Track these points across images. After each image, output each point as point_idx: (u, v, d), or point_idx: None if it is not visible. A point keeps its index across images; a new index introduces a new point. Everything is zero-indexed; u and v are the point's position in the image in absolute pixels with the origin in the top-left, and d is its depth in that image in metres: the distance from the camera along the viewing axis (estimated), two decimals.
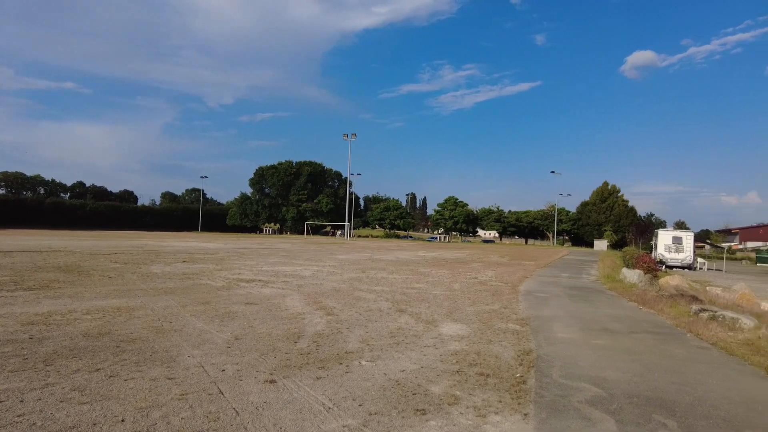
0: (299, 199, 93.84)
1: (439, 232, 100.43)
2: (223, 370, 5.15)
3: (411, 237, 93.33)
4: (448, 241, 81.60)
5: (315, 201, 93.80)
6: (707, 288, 16.14)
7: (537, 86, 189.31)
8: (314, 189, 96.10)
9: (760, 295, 18.26)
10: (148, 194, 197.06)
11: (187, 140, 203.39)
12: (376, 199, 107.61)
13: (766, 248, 61.57)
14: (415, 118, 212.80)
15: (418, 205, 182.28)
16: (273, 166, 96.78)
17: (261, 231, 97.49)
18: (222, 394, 4.45)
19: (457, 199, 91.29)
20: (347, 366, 5.45)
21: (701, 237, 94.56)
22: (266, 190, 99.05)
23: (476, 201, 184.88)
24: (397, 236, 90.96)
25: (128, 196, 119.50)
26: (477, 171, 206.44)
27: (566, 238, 74.87)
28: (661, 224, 77.25)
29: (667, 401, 4.63)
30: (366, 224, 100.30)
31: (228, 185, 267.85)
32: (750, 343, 7.58)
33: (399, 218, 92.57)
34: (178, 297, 10.00)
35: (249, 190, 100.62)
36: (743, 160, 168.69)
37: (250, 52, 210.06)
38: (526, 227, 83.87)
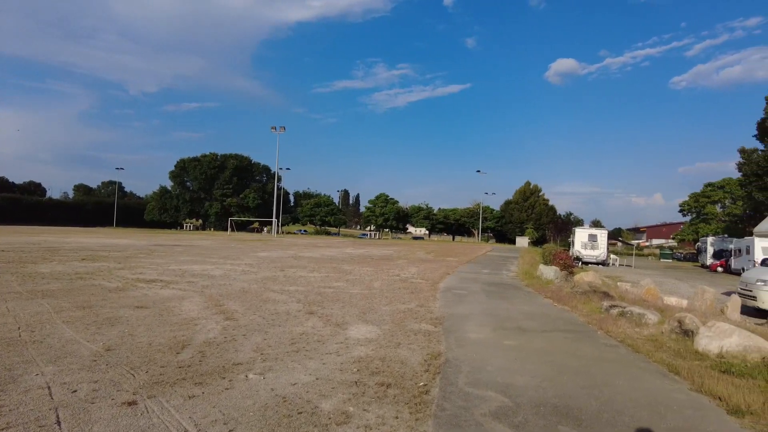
0: (224, 193, 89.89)
1: (371, 229, 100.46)
2: (75, 391, 4.26)
3: (340, 234, 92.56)
4: (379, 238, 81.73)
5: (241, 196, 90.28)
6: (618, 283, 16.82)
7: (467, 88, 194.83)
8: (240, 183, 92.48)
9: (663, 289, 19.43)
10: (60, 187, 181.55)
11: (105, 129, 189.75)
12: (306, 195, 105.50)
13: (668, 245, 67.04)
14: (349, 115, 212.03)
15: (351, 202, 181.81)
16: (196, 158, 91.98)
17: (182, 227, 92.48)
18: (59, 424, 3.59)
19: (387, 196, 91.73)
20: (230, 381, 4.72)
21: (614, 235, 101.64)
22: (188, 183, 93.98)
23: (408, 199, 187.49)
24: (328, 233, 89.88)
25: (35, 188, 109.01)
26: (409, 169, 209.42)
27: (491, 235, 77.46)
28: (579, 222, 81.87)
29: (574, 409, 4.33)
30: (296, 221, 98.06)
31: (150, 178, 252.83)
32: (654, 339, 7.67)
33: (330, 215, 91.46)
34: (56, 300, 8.72)
35: (169, 184, 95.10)
36: (650, 165, 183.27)
37: (177, 39, 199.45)
38: (453, 224, 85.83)
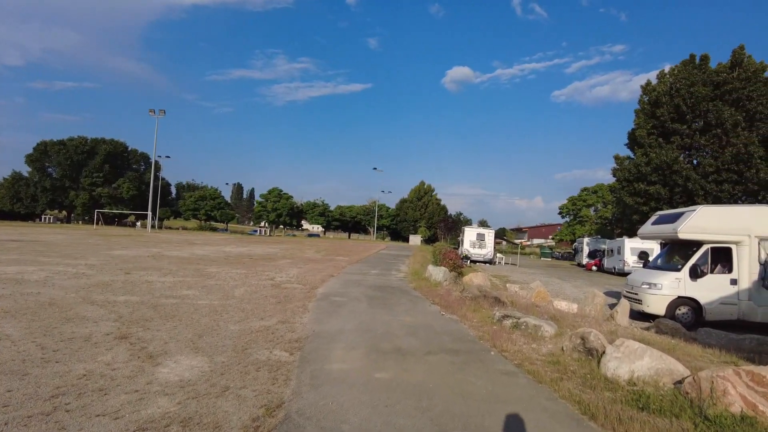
0: (93, 182, 79.48)
1: (264, 225, 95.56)
2: None
3: (227, 230, 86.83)
4: (270, 235, 77.73)
5: (114, 186, 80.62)
6: (507, 285, 16.13)
7: (369, 88, 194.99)
8: (114, 172, 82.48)
9: (550, 290, 19.26)
10: None
11: None
12: (191, 187, 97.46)
13: (547, 245, 71.65)
14: (245, 105, 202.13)
15: (245, 196, 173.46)
16: (60, 142, 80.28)
17: (40, 219, 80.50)
18: None
19: (281, 190, 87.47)
20: None
21: (499, 234, 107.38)
22: (49, 170, 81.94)
23: (306, 195, 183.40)
24: (214, 229, 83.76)
25: None
26: (308, 165, 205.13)
27: (386, 233, 77.32)
28: (468, 222, 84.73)
29: None
30: (177, 215, 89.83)
31: (11, 164, 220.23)
32: (555, 360, 6.39)
33: (216, 209, 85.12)
34: None
35: (26, 169, 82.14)
36: (532, 170, 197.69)
37: (48, 8, 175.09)
38: (349, 222, 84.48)
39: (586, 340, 6.58)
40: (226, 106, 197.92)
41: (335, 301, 10.35)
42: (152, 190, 61.57)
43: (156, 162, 74.78)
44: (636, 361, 5.67)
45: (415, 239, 59.37)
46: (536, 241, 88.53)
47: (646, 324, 11.62)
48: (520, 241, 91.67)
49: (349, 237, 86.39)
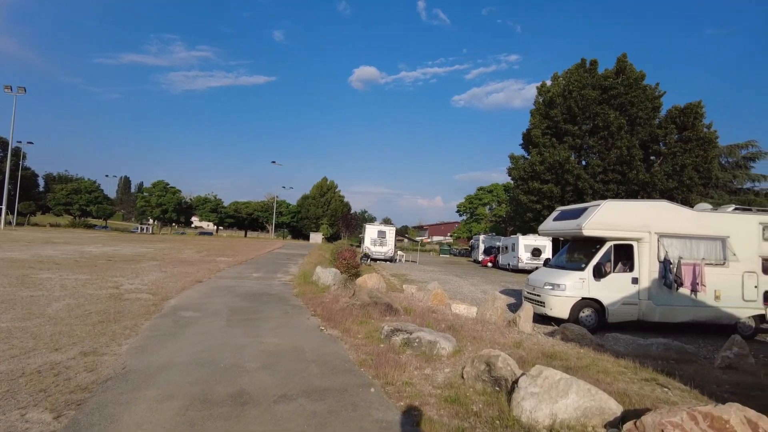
0: None
1: (151, 222, 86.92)
2: None
3: (107, 227, 77.91)
4: (152, 233, 70.76)
5: None
6: (404, 286, 14.69)
7: (272, 81, 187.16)
8: None
9: (448, 290, 18.22)
10: None
11: None
12: (63, 179, 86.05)
13: (446, 242, 73.04)
14: (137, 92, 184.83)
15: (133, 190, 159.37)
16: None
17: None
18: None
19: (167, 183, 79.73)
20: None
21: (402, 232, 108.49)
22: None
23: (202, 190, 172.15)
24: (91, 226, 74.61)
25: None
26: (206, 159, 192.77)
27: (286, 230, 73.81)
28: (372, 220, 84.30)
29: None
30: (46, 209, 78.64)
31: None
32: (455, 396, 4.77)
33: (93, 203, 75.76)
34: None
35: None
36: (433, 171, 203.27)
37: None
38: (245, 219, 79.44)
39: (492, 367, 5.04)
40: (115, 92, 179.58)
41: (183, 318, 8.03)
42: (6, 180, 52.72)
43: (18, 149, 64.87)
44: (559, 399, 4.21)
45: (317, 237, 57.03)
46: (436, 238, 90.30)
47: (550, 328, 10.70)
48: (420, 238, 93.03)
49: (246, 235, 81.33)
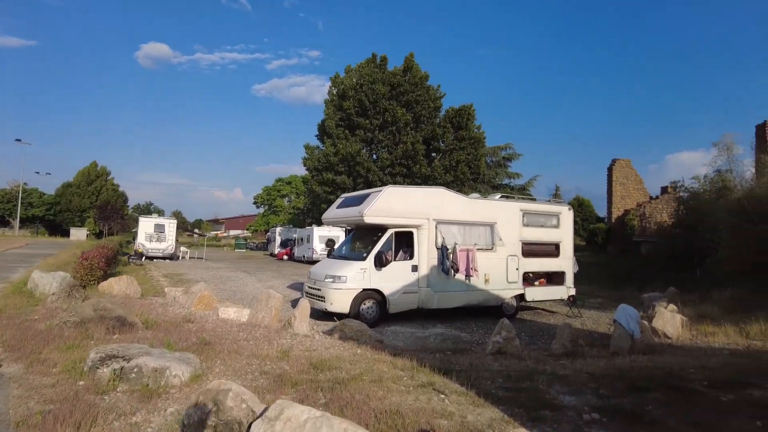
0: None
1: None
2: None
3: None
4: None
5: None
6: (167, 289, 12.18)
7: (32, 46, 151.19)
8: None
9: (227, 288, 16.12)
10: None
11: None
12: None
13: (243, 236, 69.40)
14: None
15: None
16: None
17: None
18: None
19: None
20: None
21: (195, 226, 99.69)
22: None
23: None
24: None
25: None
26: None
27: (39, 226, 60.40)
28: (161, 213, 75.25)
29: None
30: None
31: None
32: None
33: None
34: None
35: None
36: (233, 161, 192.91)
37: None
38: None
39: (220, 407, 3.49)
40: None
41: None
42: None
43: None
44: None
45: (80, 233, 47.58)
46: (234, 232, 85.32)
47: (333, 324, 9.68)
48: (216, 232, 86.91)
49: None
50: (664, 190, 28.18)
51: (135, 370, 4.70)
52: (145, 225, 30.87)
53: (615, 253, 28.63)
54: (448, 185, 30.75)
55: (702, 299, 12.22)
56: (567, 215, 13.12)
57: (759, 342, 8.50)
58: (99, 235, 50.40)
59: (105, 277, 12.40)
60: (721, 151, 17.26)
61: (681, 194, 22.78)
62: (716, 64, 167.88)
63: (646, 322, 8.77)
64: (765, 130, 21.56)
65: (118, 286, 10.74)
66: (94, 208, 52.07)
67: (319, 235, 30.78)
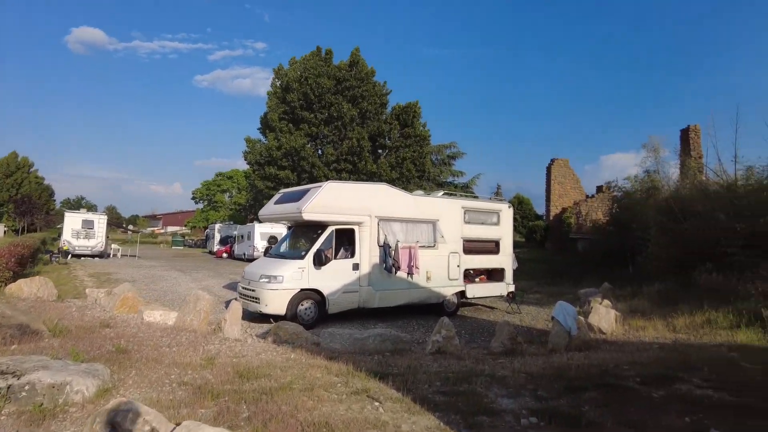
0: None
1: None
2: None
3: None
4: None
5: None
6: (88, 291, 11.23)
7: None
8: None
9: (157, 289, 15.11)
10: None
11: None
12: None
13: (181, 232, 66.52)
14: None
15: None
16: None
17: None
18: None
19: None
20: None
21: (130, 221, 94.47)
22: None
23: None
24: None
25: None
26: None
27: None
28: (92, 208, 70.76)
29: None
30: None
31: None
32: None
33: None
34: None
35: None
36: (171, 155, 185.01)
37: None
38: None
39: (119, 429, 3.05)
40: None
41: None
42: None
43: None
44: None
45: None
46: (171, 228, 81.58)
47: (267, 328, 9.21)
48: (152, 229, 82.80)
49: None
50: (599, 189, 29.44)
51: (26, 387, 4.10)
52: (72, 221, 28.75)
53: (553, 249, 29.62)
54: (393, 182, 30.65)
55: (634, 294, 12.72)
56: (507, 213, 13.26)
57: (684, 335, 8.84)
58: (20, 231, 46.63)
59: (15, 279, 11.28)
60: (649, 152, 18.18)
61: (615, 193, 23.83)
62: (649, 69, 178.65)
63: (582, 318, 8.93)
64: (689, 134, 22.96)
65: (29, 288, 9.74)
66: (12, 203, 48.00)
67: (260, 232, 29.86)
